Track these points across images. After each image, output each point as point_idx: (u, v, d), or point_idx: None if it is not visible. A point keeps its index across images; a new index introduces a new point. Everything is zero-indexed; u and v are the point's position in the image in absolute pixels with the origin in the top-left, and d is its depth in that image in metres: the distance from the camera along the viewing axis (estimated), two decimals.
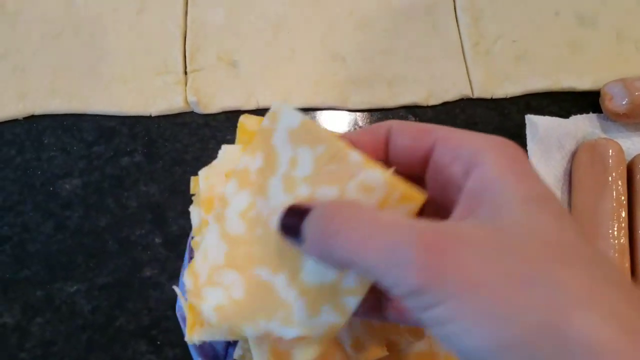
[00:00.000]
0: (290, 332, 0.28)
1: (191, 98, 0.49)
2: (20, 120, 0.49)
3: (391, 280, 0.22)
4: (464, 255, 0.22)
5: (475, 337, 0.21)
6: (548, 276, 0.21)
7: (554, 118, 0.49)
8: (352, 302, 0.27)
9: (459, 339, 0.21)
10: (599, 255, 0.22)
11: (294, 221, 0.26)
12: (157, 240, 0.45)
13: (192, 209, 0.42)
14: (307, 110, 0.51)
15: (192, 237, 0.42)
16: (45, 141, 0.48)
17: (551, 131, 0.46)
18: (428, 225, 0.23)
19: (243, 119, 0.45)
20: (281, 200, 0.28)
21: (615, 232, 0.43)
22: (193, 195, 0.43)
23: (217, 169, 0.42)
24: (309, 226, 0.25)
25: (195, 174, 0.48)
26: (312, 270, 0.27)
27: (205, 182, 0.42)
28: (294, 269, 0.28)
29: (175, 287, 0.41)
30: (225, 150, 0.43)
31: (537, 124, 0.47)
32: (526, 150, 0.48)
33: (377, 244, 0.22)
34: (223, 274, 0.32)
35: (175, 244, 0.46)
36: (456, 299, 0.21)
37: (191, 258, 0.42)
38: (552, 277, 0.21)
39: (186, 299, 0.41)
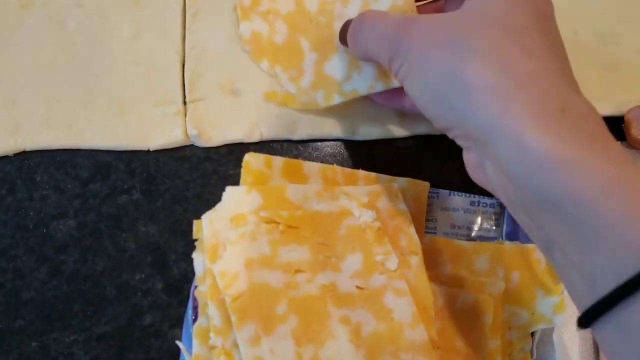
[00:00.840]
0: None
1: (192, 131, 0.46)
2: (10, 156, 0.46)
3: (382, 55, 0.36)
4: (421, 29, 0.33)
5: (416, 82, 0.33)
6: (467, 40, 0.30)
7: None
8: (379, 86, 0.44)
9: (410, 86, 0.34)
10: (526, 30, 0.31)
11: (344, 29, 0.42)
12: (158, 285, 0.43)
13: (196, 256, 0.40)
14: (313, 141, 0.48)
15: (196, 287, 0.39)
16: (38, 179, 0.45)
17: None
18: (409, 16, 0.37)
19: (248, 158, 0.42)
20: None
21: None
22: (196, 240, 0.41)
23: (222, 213, 0.40)
24: (349, 30, 0.40)
25: (197, 212, 0.45)
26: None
27: (210, 227, 0.39)
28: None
29: (179, 343, 0.39)
30: (229, 192, 0.41)
31: None
32: None
33: (377, 31, 0.36)
34: None
35: (177, 288, 0.43)
36: (410, 57, 0.33)
37: (195, 308, 0.39)
38: (469, 41, 0.30)
39: (191, 355, 0.38)
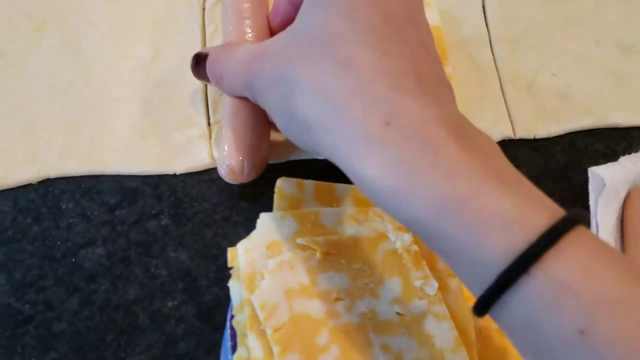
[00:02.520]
0: None
1: (217, 154, 0.45)
2: (34, 184, 0.45)
3: (243, 93, 0.36)
4: (259, 68, 0.33)
5: (272, 117, 0.34)
6: (291, 72, 0.30)
7: (615, 164, 0.46)
8: None
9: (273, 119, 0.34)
10: (338, 40, 0.28)
11: (195, 62, 0.41)
12: (191, 311, 0.43)
13: (232, 284, 0.40)
14: None
15: (233, 316, 0.39)
16: (63, 207, 0.45)
17: (614, 180, 0.43)
18: (254, 48, 0.35)
19: (281, 183, 0.42)
20: None
21: None
22: (231, 268, 0.40)
23: (257, 241, 0.39)
24: (209, 69, 0.39)
25: (226, 235, 0.45)
26: None
27: (245, 256, 0.39)
28: None
29: None
30: (263, 219, 0.40)
31: (601, 177, 0.44)
32: (588, 208, 0.45)
33: (231, 71, 0.37)
34: None
35: (210, 315, 0.43)
36: (258, 97, 0.34)
37: (232, 336, 0.39)
38: (294, 72, 0.30)
39: None
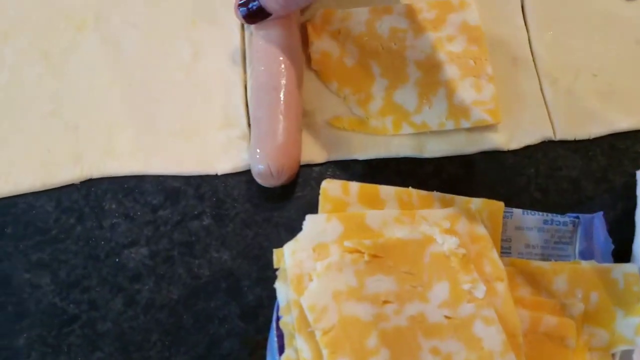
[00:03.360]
0: None
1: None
2: (77, 184, 0.45)
3: None
4: None
5: None
6: None
7: None
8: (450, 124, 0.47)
9: None
10: None
11: None
12: (234, 312, 0.43)
13: (278, 286, 0.40)
14: (381, 159, 0.47)
15: (280, 318, 0.39)
16: (106, 207, 0.45)
17: None
18: None
19: (326, 185, 0.42)
20: None
21: None
22: (277, 269, 0.40)
23: (304, 243, 0.39)
24: None
25: (267, 236, 0.45)
26: None
27: (292, 257, 0.39)
28: None
29: None
30: (310, 221, 0.40)
31: None
32: (630, 211, 0.44)
33: None
34: None
35: (253, 315, 0.43)
36: None
37: (279, 337, 0.39)
38: None
39: None
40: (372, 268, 0.38)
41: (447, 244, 0.39)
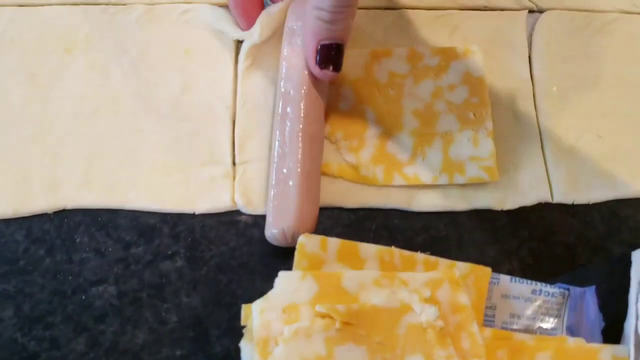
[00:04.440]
0: None
1: (239, 200, 0.44)
2: (50, 214, 0.44)
3: None
4: None
5: None
6: None
7: None
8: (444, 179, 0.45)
9: None
10: None
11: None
12: None
13: (244, 345, 0.38)
14: (369, 209, 0.45)
15: None
16: (78, 240, 0.43)
17: None
18: None
19: (303, 240, 0.40)
20: None
21: None
22: (244, 326, 0.38)
23: (274, 302, 0.37)
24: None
25: (242, 283, 0.43)
26: None
27: (261, 317, 0.37)
28: None
29: None
30: (282, 278, 0.38)
31: None
32: (627, 293, 0.42)
33: None
34: None
35: None
36: None
37: None
38: None
39: None
40: (343, 336, 0.36)
41: (425, 314, 0.37)
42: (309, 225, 0.42)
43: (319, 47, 0.41)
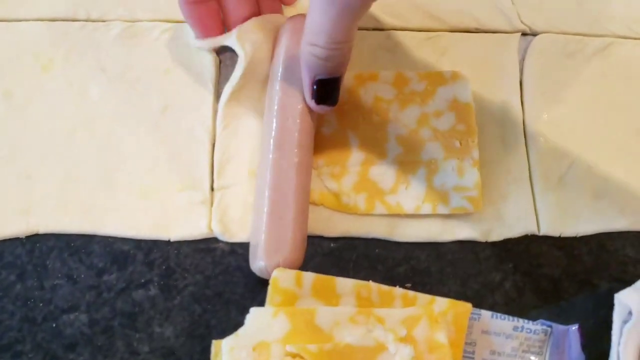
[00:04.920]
0: None
1: (216, 227, 0.43)
2: (22, 238, 0.43)
3: None
4: None
5: None
6: None
7: None
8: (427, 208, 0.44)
9: None
10: None
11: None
12: None
13: None
14: (349, 238, 0.44)
15: None
16: (50, 265, 0.42)
17: None
18: None
19: (277, 274, 0.39)
20: None
21: None
22: None
23: (244, 340, 0.36)
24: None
25: (216, 314, 0.42)
26: None
27: (230, 355, 0.36)
28: None
29: None
30: (254, 314, 0.37)
31: (628, 306, 0.39)
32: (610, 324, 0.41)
33: None
34: None
35: None
36: None
37: None
38: None
39: None
40: None
41: (400, 355, 0.36)
42: (302, 257, 0.41)
43: (315, 82, 0.39)
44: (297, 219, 0.40)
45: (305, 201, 0.42)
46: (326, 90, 0.40)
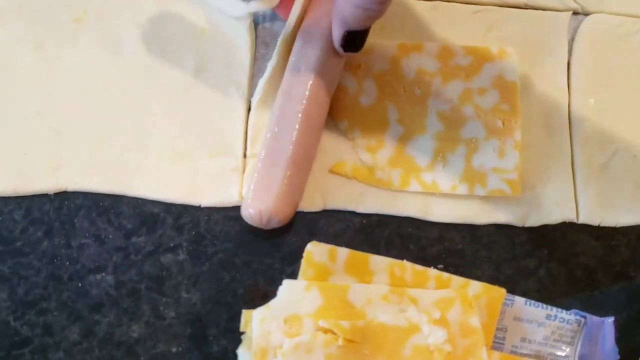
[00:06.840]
0: None
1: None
2: (50, 195, 0.42)
3: None
4: None
5: None
6: None
7: None
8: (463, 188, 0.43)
9: None
10: None
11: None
12: None
13: (241, 353, 0.37)
14: (382, 215, 0.43)
15: None
16: (78, 224, 0.41)
17: None
18: None
19: (311, 248, 0.38)
20: None
21: None
22: (242, 333, 0.37)
23: (276, 312, 0.36)
24: None
25: (244, 283, 0.41)
26: None
27: (261, 326, 0.35)
28: None
29: None
30: (287, 287, 0.36)
31: None
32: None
33: None
34: None
35: None
36: None
37: None
38: None
39: None
40: (345, 354, 0.34)
41: (433, 337, 0.35)
42: (288, 211, 0.40)
43: (346, 33, 0.39)
44: (290, 169, 0.39)
45: (306, 155, 0.41)
46: (355, 39, 0.40)
